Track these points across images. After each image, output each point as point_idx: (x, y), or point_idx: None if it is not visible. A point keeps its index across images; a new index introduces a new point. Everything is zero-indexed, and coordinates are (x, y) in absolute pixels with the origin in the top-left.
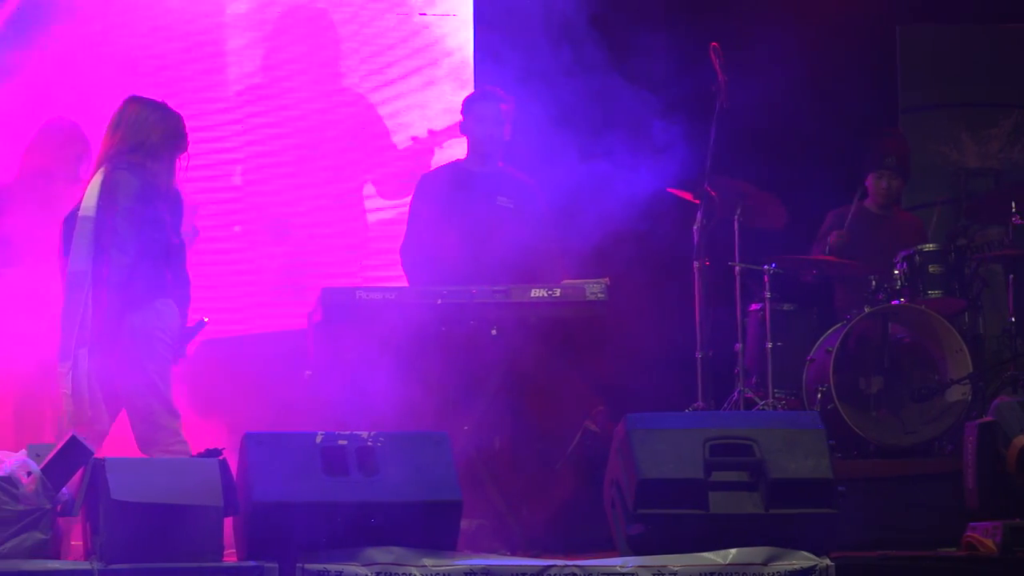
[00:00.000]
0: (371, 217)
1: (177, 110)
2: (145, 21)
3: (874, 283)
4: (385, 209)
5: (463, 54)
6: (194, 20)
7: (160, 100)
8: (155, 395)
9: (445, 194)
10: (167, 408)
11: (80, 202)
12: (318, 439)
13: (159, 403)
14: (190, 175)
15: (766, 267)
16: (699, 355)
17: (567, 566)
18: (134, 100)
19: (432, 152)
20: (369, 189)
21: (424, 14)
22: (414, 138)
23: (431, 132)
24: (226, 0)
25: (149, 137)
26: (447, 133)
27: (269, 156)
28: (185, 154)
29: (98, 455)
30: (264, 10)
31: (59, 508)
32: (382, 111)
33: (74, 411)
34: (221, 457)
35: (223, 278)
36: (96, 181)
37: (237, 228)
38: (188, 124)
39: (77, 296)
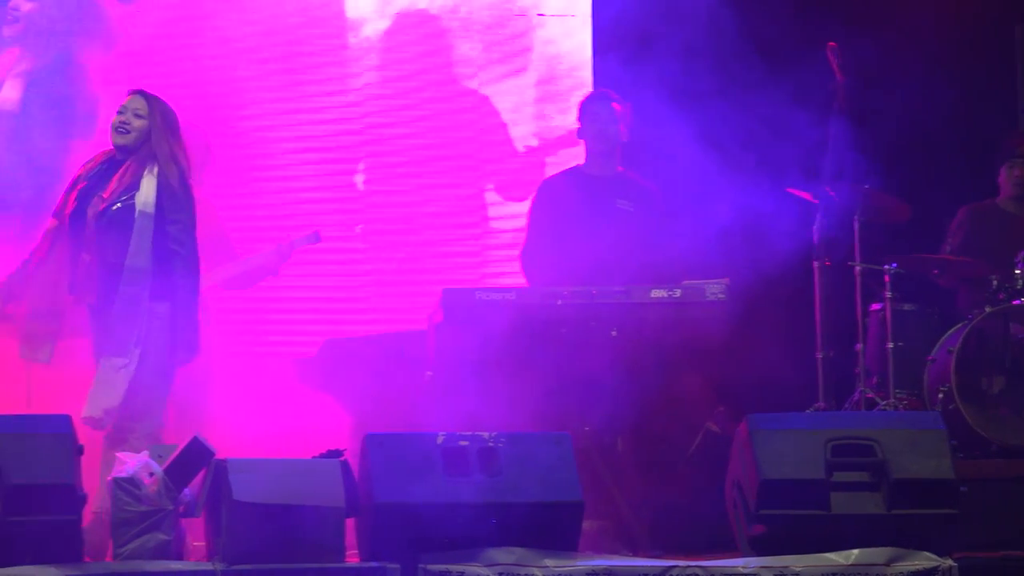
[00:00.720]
0: (492, 214)
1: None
2: (265, 25)
3: (995, 283)
4: (506, 211)
5: (581, 54)
6: (313, 24)
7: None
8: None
9: (564, 199)
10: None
11: (115, 190)
12: (439, 440)
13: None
14: (313, 177)
15: (887, 267)
16: (820, 355)
17: (689, 567)
18: (166, 104)
19: (549, 154)
20: (490, 190)
21: (542, 14)
22: (528, 146)
23: (542, 141)
24: (345, 3)
25: (183, 149)
26: (560, 142)
27: (390, 157)
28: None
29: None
30: (382, 13)
31: (181, 509)
32: (500, 111)
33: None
34: (343, 458)
35: (344, 278)
36: (151, 179)
37: (358, 228)
38: (311, 126)
39: (137, 292)
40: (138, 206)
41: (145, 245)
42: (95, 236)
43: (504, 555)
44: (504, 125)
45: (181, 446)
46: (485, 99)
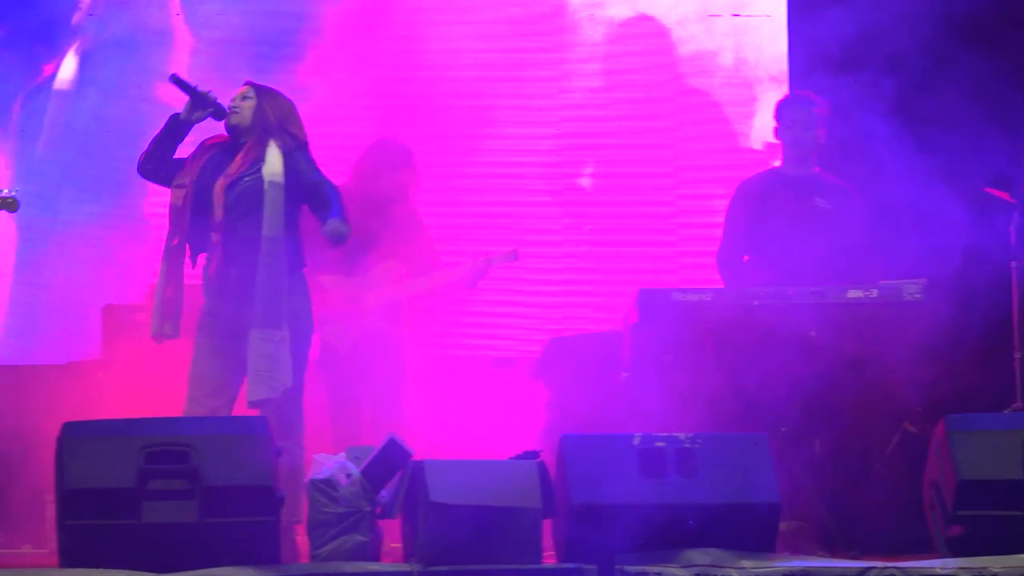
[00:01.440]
0: (689, 212)
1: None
2: (485, 27)
3: None
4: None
5: (778, 55)
6: (536, 28)
7: None
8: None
9: (762, 199)
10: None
11: (241, 165)
12: (636, 441)
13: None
14: (537, 178)
15: None
16: (1017, 355)
17: (886, 568)
18: (277, 92)
19: (756, 153)
20: (690, 188)
21: (737, 15)
22: (737, 146)
23: (743, 141)
24: (566, 8)
25: (297, 126)
26: (762, 142)
27: (615, 158)
28: None
29: None
30: (596, 17)
31: (378, 510)
32: (704, 112)
33: (286, 378)
34: (539, 459)
35: (540, 279)
36: (275, 150)
37: (587, 227)
38: (535, 128)
39: (276, 262)
40: (266, 177)
41: (277, 215)
42: (224, 212)
43: (701, 556)
44: (710, 125)
45: (378, 447)
46: (700, 96)
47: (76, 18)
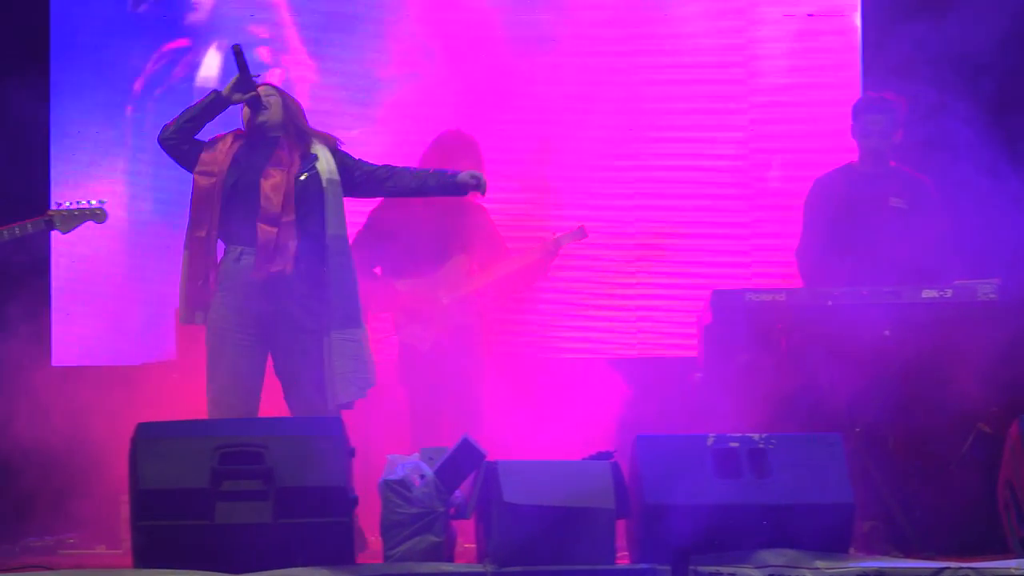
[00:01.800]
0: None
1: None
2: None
3: None
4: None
5: (852, 55)
6: (605, 17)
7: None
8: None
9: (838, 197)
10: None
11: (292, 162)
12: (709, 441)
13: None
14: (609, 170)
15: None
16: None
17: (961, 568)
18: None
19: (828, 151)
20: (773, 186)
21: (812, 15)
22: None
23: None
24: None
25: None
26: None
27: (689, 152)
28: None
29: None
30: (665, 11)
31: (452, 511)
32: (776, 111)
33: (372, 376)
34: (613, 460)
35: (635, 279)
36: (322, 147)
37: (662, 225)
38: (607, 120)
39: (346, 260)
40: (323, 175)
41: (341, 214)
42: (281, 210)
43: (775, 557)
44: (777, 124)
45: (451, 448)
46: (763, 97)
47: (189, 18)
